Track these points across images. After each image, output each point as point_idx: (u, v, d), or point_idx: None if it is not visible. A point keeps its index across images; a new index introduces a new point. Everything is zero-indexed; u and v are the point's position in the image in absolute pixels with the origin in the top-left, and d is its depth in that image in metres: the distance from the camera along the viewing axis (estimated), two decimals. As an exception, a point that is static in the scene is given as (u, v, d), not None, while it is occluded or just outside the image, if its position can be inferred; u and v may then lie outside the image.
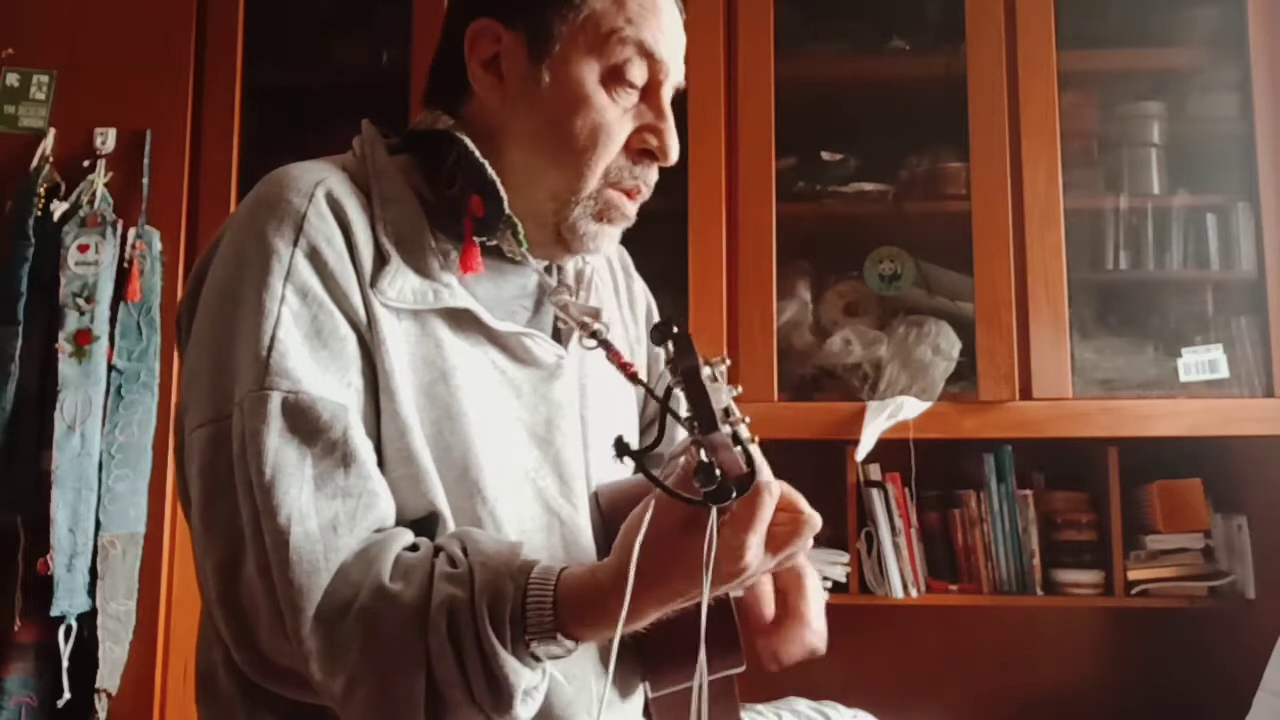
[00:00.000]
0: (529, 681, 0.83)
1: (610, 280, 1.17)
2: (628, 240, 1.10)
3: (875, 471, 2.11)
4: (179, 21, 2.06)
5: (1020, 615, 2.30)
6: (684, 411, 0.78)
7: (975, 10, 2.05)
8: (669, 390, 0.80)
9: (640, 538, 0.79)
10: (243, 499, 0.84)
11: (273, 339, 0.86)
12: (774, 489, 0.80)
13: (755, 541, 0.79)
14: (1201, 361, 2.03)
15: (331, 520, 0.84)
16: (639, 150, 0.99)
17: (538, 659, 0.83)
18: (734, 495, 0.73)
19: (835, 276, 2.19)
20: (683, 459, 0.81)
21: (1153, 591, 2.05)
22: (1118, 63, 2.16)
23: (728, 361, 0.80)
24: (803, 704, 1.36)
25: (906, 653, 2.30)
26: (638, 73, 0.97)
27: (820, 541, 2.10)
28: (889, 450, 2.03)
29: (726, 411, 0.74)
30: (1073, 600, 2.10)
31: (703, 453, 0.73)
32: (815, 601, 1.03)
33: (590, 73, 0.96)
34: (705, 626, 0.78)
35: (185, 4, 2.07)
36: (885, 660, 2.28)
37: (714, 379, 0.75)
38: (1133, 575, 2.05)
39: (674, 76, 1.00)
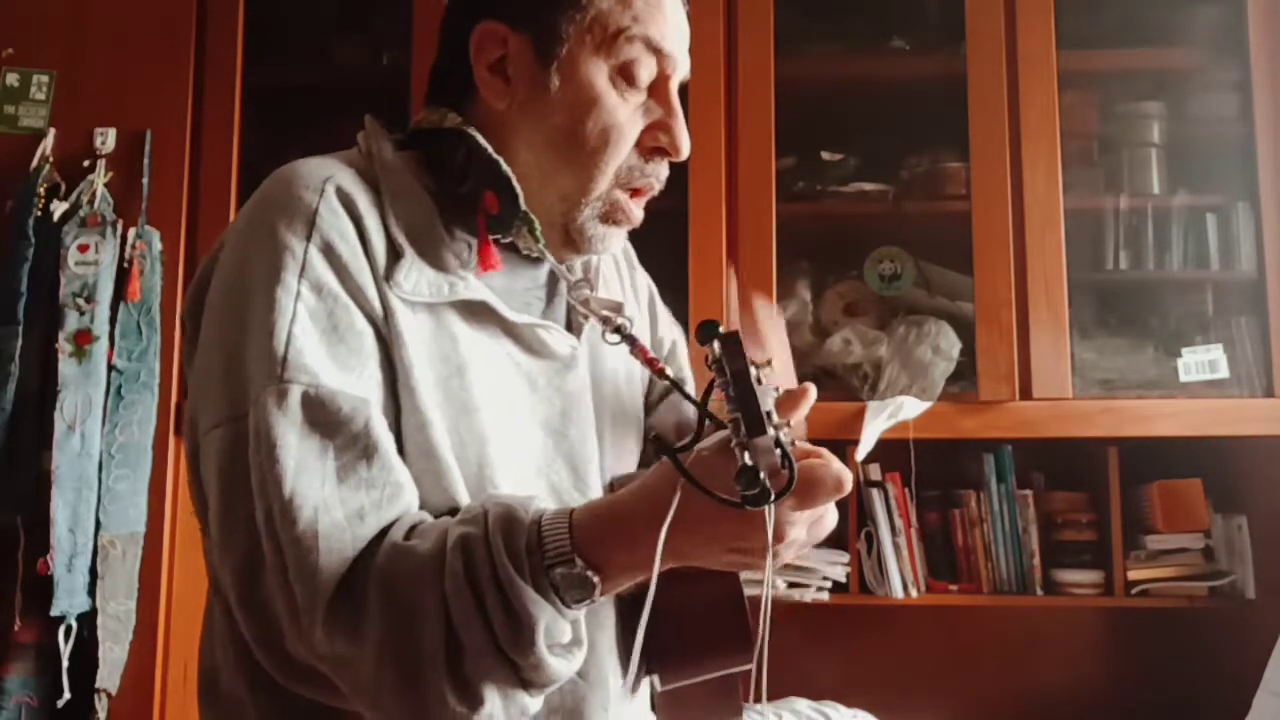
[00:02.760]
0: (550, 618, 0.80)
1: (614, 270, 1.17)
2: (628, 239, 1.10)
3: (875, 471, 2.11)
4: (179, 22, 2.06)
5: (1020, 615, 2.30)
6: (703, 401, 0.78)
7: (975, 10, 2.05)
8: (709, 388, 0.79)
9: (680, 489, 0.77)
10: (259, 495, 0.83)
11: (289, 335, 0.85)
12: (847, 482, 0.79)
13: (805, 521, 0.79)
14: (1201, 361, 2.03)
15: (357, 510, 0.83)
16: (651, 148, 0.98)
17: (559, 594, 0.80)
18: (773, 499, 0.73)
19: (835, 276, 2.19)
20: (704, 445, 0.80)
21: (1153, 591, 2.05)
22: (1118, 63, 2.16)
23: (771, 363, 0.79)
24: (803, 704, 1.36)
25: (906, 653, 2.30)
26: (646, 70, 0.96)
27: (820, 542, 2.11)
28: (889, 450, 2.03)
29: (769, 415, 0.74)
30: (1073, 600, 2.10)
31: (746, 456, 0.72)
32: None
33: (599, 73, 0.95)
34: (719, 617, 0.76)
35: (185, 4, 2.07)
36: (885, 660, 2.29)
37: (759, 381, 0.74)
38: (1133, 575, 2.05)
39: (681, 70, 1.00)
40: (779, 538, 0.78)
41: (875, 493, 2.09)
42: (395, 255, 0.91)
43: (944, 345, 2.04)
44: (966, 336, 2.03)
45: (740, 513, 0.74)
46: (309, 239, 0.88)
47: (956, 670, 2.30)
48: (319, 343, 0.86)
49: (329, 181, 0.91)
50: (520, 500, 0.84)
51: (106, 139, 2.01)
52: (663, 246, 2.00)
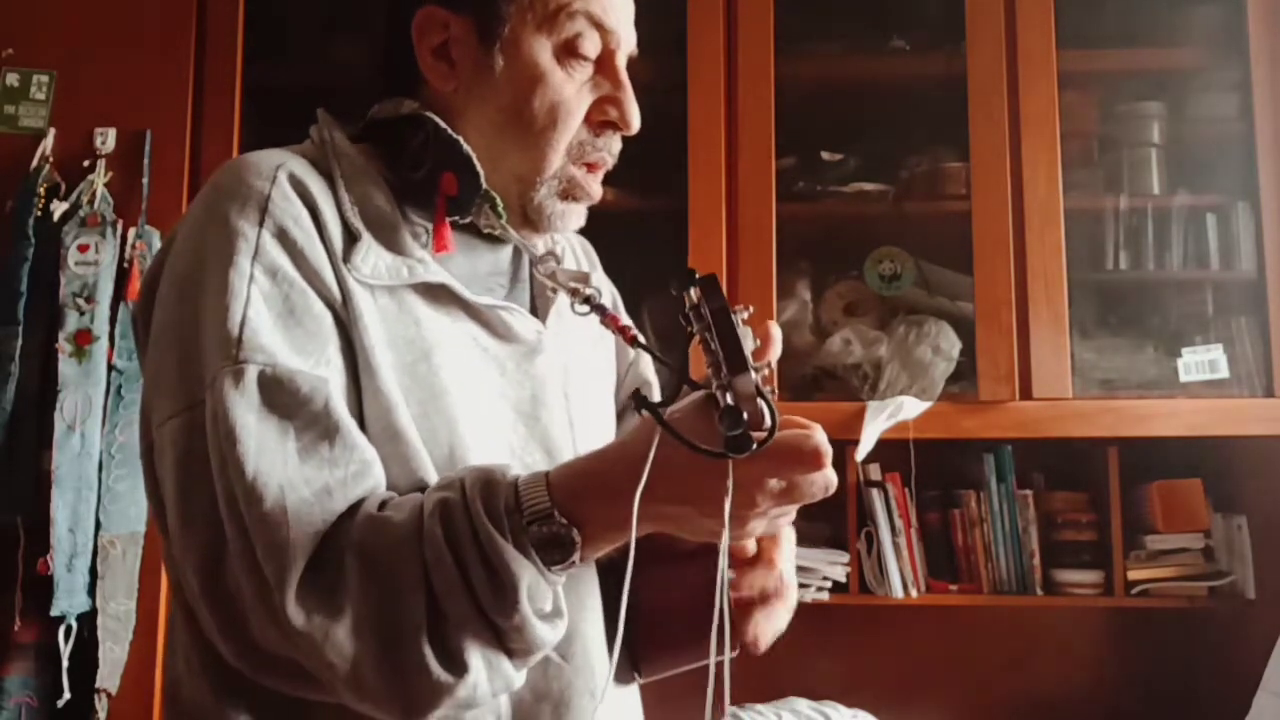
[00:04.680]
0: (532, 578, 0.79)
1: (574, 265, 1.15)
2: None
3: (875, 471, 2.11)
4: (179, 22, 2.06)
5: (1020, 615, 2.30)
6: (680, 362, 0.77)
7: (975, 10, 2.05)
8: (687, 341, 0.79)
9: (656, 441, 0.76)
10: (219, 480, 0.80)
11: (244, 318, 0.83)
12: (826, 455, 0.77)
13: (776, 489, 0.77)
14: (1201, 361, 2.03)
15: (324, 487, 0.81)
16: (600, 122, 0.98)
17: (540, 553, 0.79)
18: (755, 447, 0.71)
19: (835, 276, 2.19)
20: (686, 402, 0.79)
21: (1153, 591, 2.05)
22: (1118, 63, 2.16)
23: (751, 309, 0.78)
24: (803, 704, 1.36)
25: (906, 653, 2.30)
26: (590, 45, 0.96)
27: (820, 541, 2.11)
28: (889, 450, 2.03)
29: (749, 359, 0.72)
30: (1073, 600, 2.10)
31: (728, 396, 0.71)
32: (788, 553, 1.03)
33: (543, 51, 0.95)
34: (700, 606, 0.76)
35: (185, 4, 2.07)
36: (885, 660, 2.28)
37: (739, 325, 0.73)
38: (1133, 575, 2.05)
39: (626, 44, 0.99)
40: (749, 502, 0.77)
41: (875, 493, 2.09)
42: (351, 238, 0.90)
43: (944, 345, 2.04)
44: (966, 336, 2.03)
45: (715, 469, 0.73)
46: (261, 224, 0.87)
47: (956, 670, 2.30)
48: (274, 326, 0.84)
49: (281, 169, 0.90)
50: (497, 465, 0.84)
51: (106, 139, 2.01)
52: (663, 246, 2.00)
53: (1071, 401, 1.97)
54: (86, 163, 2.00)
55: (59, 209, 1.96)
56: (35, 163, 1.98)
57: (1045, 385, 1.97)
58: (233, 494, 0.80)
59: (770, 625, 1.00)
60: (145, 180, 2.00)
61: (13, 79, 2.03)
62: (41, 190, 1.96)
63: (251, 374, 0.82)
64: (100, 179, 1.99)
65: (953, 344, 2.04)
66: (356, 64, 2.21)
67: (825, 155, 2.17)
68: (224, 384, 0.81)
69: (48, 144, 2.00)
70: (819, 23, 2.17)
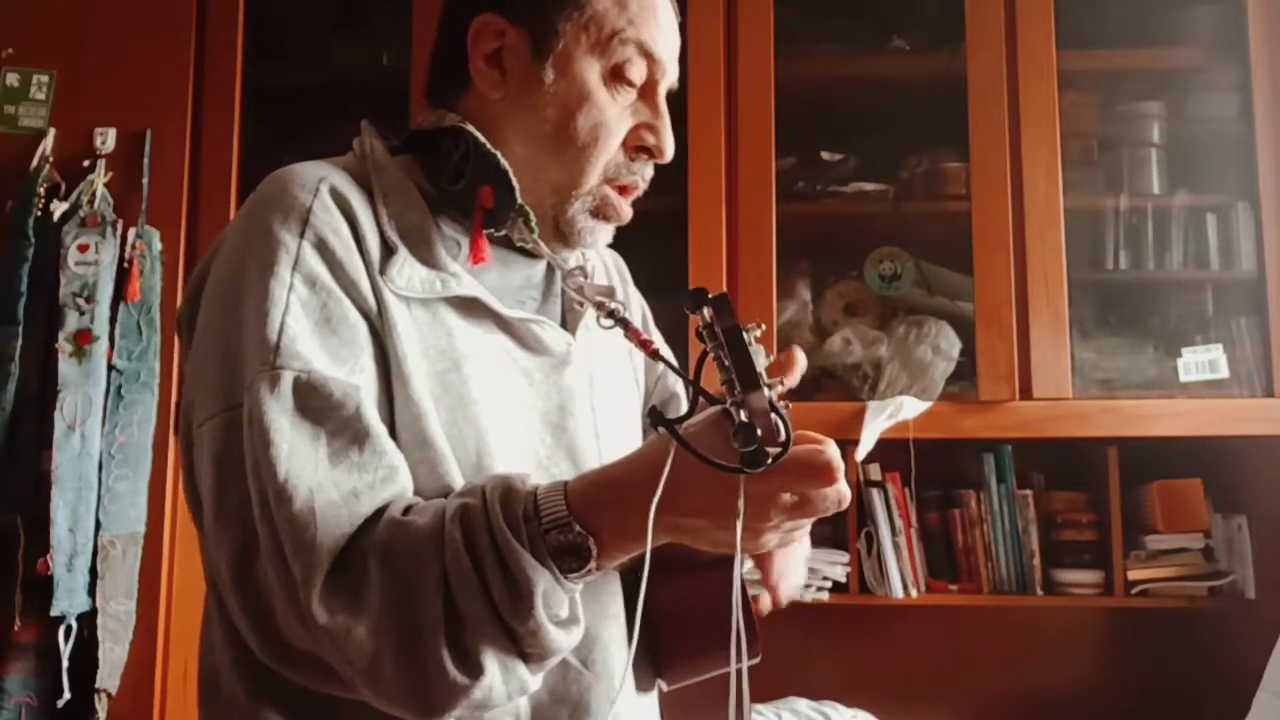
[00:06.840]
0: (548, 584, 0.80)
1: (606, 282, 1.17)
2: (627, 239, 1.11)
3: (875, 471, 2.12)
4: (179, 21, 2.06)
5: (1020, 615, 2.30)
6: (696, 377, 0.79)
7: (975, 10, 2.05)
8: (700, 361, 0.80)
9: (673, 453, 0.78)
10: (253, 480, 0.83)
11: (282, 324, 0.86)
12: (839, 470, 0.78)
13: (789, 503, 0.79)
14: (1201, 361, 2.03)
15: (352, 491, 0.84)
16: (636, 147, 1.01)
17: (556, 561, 0.81)
18: (769, 462, 0.73)
19: (835, 276, 2.19)
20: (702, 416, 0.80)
21: (1153, 591, 2.05)
22: (1118, 63, 2.16)
23: (763, 327, 0.80)
24: (803, 704, 1.36)
25: (906, 653, 2.30)
26: (637, 72, 1.00)
27: (820, 541, 2.11)
28: (889, 450, 2.03)
29: (761, 376, 0.74)
30: (1073, 600, 2.10)
31: (742, 413, 0.72)
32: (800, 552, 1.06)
33: (592, 71, 0.99)
34: (720, 615, 0.77)
35: (185, 4, 2.07)
36: (885, 660, 2.29)
37: (751, 344, 0.75)
38: (1133, 575, 2.05)
39: (670, 76, 1.03)
40: (762, 516, 0.79)
41: (875, 493, 2.09)
42: (388, 251, 0.93)
43: (944, 345, 2.04)
44: (966, 336, 2.03)
45: (730, 483, 0.75)
46: (302, 235, 0.90)
47: (956, 670, 2.30)
48: (312, 333, 0.88)
49: (323, 182, 0.93)
50: (517, 474, 0.86)
51: (106, 139, 2.01)
52: (663, 246, 2.00)
53: (1071, 401, 1.97)
54: (86, 163, 2.00)
55: (59, 209, 1.96)
56: (35, 163, 1.98)
57: (1045, 385, 1.97)
58: (265, 494, 0.83)
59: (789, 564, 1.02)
60: (145, 180, 2.00)
61: (13, 79, 2.03)
62: (41, 190, 1.96)
63: (287, 379, 0.85)
64: (100, 179, 1.99)
65: (953, 344, 2.04)
66: (356, 64, 2.22)
67: (825, 155, 2.17)
68: (260, 388, 0.84)
69: (48, 144, 2.00)
70: (819, 23, 2.17)
